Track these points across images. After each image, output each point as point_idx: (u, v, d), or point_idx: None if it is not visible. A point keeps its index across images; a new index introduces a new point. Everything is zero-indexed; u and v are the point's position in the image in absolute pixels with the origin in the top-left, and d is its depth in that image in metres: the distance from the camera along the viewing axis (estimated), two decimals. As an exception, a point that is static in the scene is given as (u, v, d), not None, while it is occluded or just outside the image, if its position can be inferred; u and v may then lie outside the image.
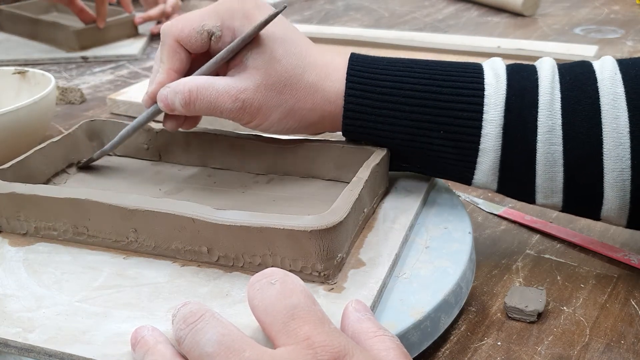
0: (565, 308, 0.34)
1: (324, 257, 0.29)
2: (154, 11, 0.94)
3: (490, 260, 0.38)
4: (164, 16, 0.96)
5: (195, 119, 0.40)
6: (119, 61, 0.83)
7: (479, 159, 0.34)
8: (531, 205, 0.45)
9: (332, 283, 0.30)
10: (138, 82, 0.70)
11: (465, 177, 0.36)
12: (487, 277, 0.37)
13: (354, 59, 0.37)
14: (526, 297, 0.33)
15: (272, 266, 0.27)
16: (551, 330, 0.32)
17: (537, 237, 0.41)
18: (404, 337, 0.28)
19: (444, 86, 0.35)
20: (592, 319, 0.33)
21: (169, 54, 0.36)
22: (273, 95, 0.35)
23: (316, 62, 0.36)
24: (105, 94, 0.70)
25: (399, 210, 0.36)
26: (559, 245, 0.40)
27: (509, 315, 0.33)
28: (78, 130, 0.43)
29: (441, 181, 0.43)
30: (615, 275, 0.37)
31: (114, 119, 0.41)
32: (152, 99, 0.37)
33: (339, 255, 0.30)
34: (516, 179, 0.35)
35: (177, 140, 0.43)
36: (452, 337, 0.32)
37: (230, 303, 0.29)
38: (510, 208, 0.44)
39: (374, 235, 0.34)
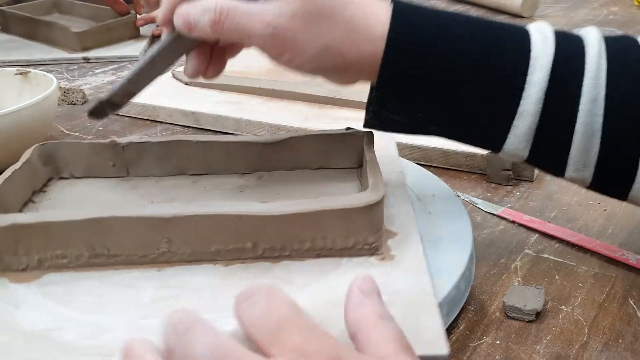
0: (563, 307, 0.34)
1: (374, 229, 0.32)
2: (156, 13, 0.95)
3: (489, 259, 0.39)
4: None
5: (220, 62, 0.37)
6: (121, 62, 0.84)
7: (515, 122, 0.32)
8: (530, 205, 0.45)
9: (380, 253, 0.32)
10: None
11: (496, 141, 0.33)
12: (486, 276, 0.37)
13: (398, 1, 0.34)
14: (525, 296, 0.34)
15: (322, 249, 0.32)
16: (550, 329, 0.33)
17: (535, 236, 0.41)
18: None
19: (490, 38, 0.33)
20: (590, 318, 0.33)
21: None
22: (310, 27, 0.32)
23: None
24: (106, 94, 0.70)
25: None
26: (557, 244, 0.40)
27: (508, 314, 0.33)
28: (33, 156, 0.40)
29: (441, 181, 0.43)
30: (613, 275, 0.37)
31: (70, 140, 0.39)
32: (165, 21, 0.34)
33: (383, 226, 0.33)
34: (550, 148, 0.33)
35: (149, 151, 0.41)
36: (451, 336, 0.32)
37: (299, 288, 0.30)
38: (509, 208, 0.45)
39: (387, 211, 0.35)
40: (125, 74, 0.35)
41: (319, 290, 0.30)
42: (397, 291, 0.29)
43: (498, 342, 0.32)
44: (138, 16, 0.92)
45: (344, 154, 0.41)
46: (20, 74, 0.57)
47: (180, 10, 0.33)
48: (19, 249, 0.32)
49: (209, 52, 0.36)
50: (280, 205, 0.31)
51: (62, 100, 0.68)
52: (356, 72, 0.34)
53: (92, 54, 0.85)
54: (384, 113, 0.34)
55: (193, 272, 0.32)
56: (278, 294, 0.23)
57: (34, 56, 0.84)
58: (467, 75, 0.32)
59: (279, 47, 0.33)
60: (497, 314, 0.34)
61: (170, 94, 0.65)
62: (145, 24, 0.93)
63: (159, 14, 0.34)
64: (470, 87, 0.32)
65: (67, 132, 0.61)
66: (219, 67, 0.37)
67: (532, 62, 0.32)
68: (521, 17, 1.01)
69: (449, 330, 0.32)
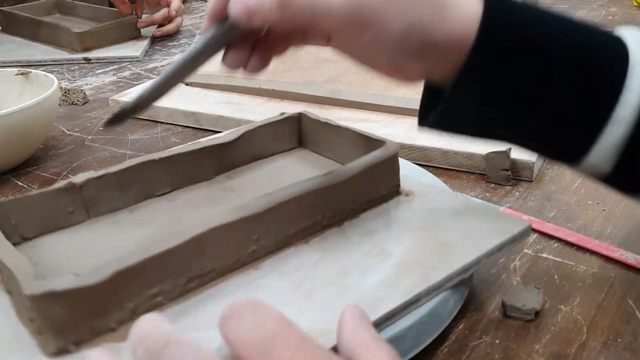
0: (562, 307, 0.34)
1: (397, 176, 0.38)
2: (157, 15, 0.95)
3: (488, 259, 0.39)
4: (167, 20, 0.96)
5: (265, 57, 0.32)
6: (121, 62, 0.84)
7: (606, 130, 0.29)
8: (529, 205, 0.45)
9: (404, 193, 0.39)
10: (140, 83, 0.71)
11: (577, 152, 0.30)
12: (485, 276, 0.37)
13: None
14: (524, 295, 0.34)
15: (369, 201, 0.37)
16: (549, 328, 0.33)
17: (534, 236, 0.41)
18: (403, 336, 0.29)
19: (588, 34, 0.30)
20: (589, 317, 0.33)
21: None
22: (396, 1, 0.28)
23: None
24: (107, 95, 0.70)
25: None
26: (556, 244, 0.40)
27: (507, 313, 0.34)
28: None
29: (440, 181, 0.43)
30: (612, 275, 0.37)
31: (22, 196, 0.34)
32: (220, 12, 0.29)
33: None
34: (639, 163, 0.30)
35: (108, 184, 0.36)
36: (450, 336, 0.32)
37: (397, 232, 0.35)
38: (508, 208, 0.45)
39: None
40: (163, 73, 0.31)
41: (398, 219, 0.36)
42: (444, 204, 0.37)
43: (497, 341, 0.32)
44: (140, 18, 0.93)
45: (287, 137, 0.45)
46: (22, 74, 0.57)
47: None
48: (112, 304, 0.27)
49: (252, 46, 0.32)
50: (336, 173, 0.35)
51: (63, 100, 0.68)
52: (442, 57, 0.30)
53: (93, 54, 0.85)
54: (453, 110, 0.31)
55: (288, 260, 0.32)
56: (265, 309, 0.22)
57: (35, 57, 0.84)
58: (562, 70, 0.29)
59: (361, 25, 0.28)
60: (497, 313, 0.34)
61: (170, 94, 0.65)
62: (147, 25, 0.93)
63: (209, 6, 0.30)
64: (563, 84, 0.29)
65: (68, 133, 0.61)
66: (263, 63, 0.32)
67: (630, 65, 0.29)
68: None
69: (448, 330, 0.32)
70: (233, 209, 0.31)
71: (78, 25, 0.90)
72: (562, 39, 0.29)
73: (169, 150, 0.39)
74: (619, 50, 0.29)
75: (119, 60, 0.84)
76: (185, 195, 0.39)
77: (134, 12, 0.92)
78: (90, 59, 0.84)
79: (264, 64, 0.32)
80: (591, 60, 0.29)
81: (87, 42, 0.86)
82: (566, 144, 0.30)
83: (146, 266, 0.28)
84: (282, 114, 0.44)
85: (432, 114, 0.32)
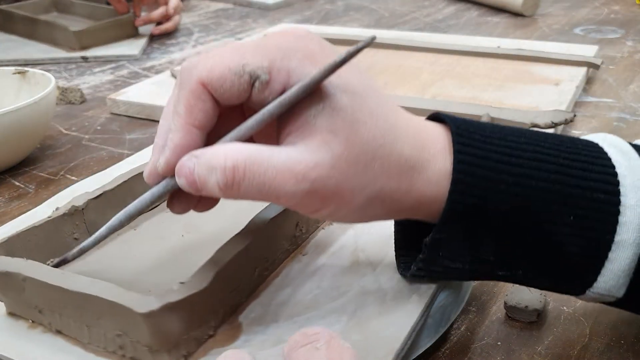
0: (565, 308, 0.34)
1: None
2: (156, 13, 0.95)
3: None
4: (165, 18, 0.96)
5: (215, 199, 0.29)
6: (119, 61, 0.83)
7: (611, 255, 0.26)
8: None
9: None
10: (138, 82, 0.70)
11: (585, 281, 0.27)
12: (487, 277, 0.37)
13: (456, 126, 0.27)
14: (526, 297, 0.33)
15: None
16: (551, 330, 0.32)
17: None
18: (405, 338, 0.28)
19: (572, 159, 0.27)
20: (592, 319, 0.33)
21: (189, 103, 0.25)
22: (357, 173, 0.25)
23: (407, 126, 0.27)
24: (105, 94, 0.70)
25: None
26: (558, 245, 0.40)
27: (509, 315, 0.33)
28: None
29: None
30: (615, 275, 0.37)
31: (28, 227, 0.32)
32: (167, 172, 0.26)
33: None
34: None
35: (107, 203, 0.35)
36: (452, 337, 0.32)
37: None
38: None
39: None
40: (106, 225, 0.29)
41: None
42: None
43: (499, 343, 0.31)
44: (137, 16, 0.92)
45: None
46: (19, 73, 0.57)
47: (182, 164, 0.25)
48: (210, 309, 0.27)
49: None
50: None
51: (61, 99, 0.68)
52: (411, 216, 0.28)
53: (91, 53, 0.84)
54: (439, 260, 0.28)
55: (327, 240, 0.35)
56: (339, 343, 0.21)
57: (32, 55, 0.84)
58: (556, 205, 0.26)
59: (318, 202, 0.25)
60: (499, 314, 0.34)
61: (168, 93, 0.64)
62: (145, 24, 0.93)
63: (161, 159, 0.26)
64: (556, 217, 0.26)
65: (65, 132, 0.61)
66: (215, 202, 0.29)
67: (621, 181, 0.26)
68: (522, 15, 1.00)
69: (450, 331, 0.32)
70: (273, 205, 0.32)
71: (75, 24, 0.89)
72: (546, 166, 0.26)
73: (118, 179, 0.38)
74: (605, 165, 0.27)
75: (116, 59, 0.84)
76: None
77: (131, 11, 0.91)
78: (87, 58, 0.83)
79: (215, 201, 0.29)
80: (581, 183, 0.26)
81: (85, 40, 0.85)
82: (569, 278, 0.28)
83: (231, 265, 0.28)
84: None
85: (401, 263, 0.29)
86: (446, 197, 0.26)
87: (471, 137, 0.27)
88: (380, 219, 0.28)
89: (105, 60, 0.84)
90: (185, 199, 0.28)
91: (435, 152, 0.27)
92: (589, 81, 0.68)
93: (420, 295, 0.30)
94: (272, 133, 0.27)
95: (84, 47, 0.85)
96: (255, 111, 0.26)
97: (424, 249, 0.28)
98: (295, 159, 0.24)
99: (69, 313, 0.28)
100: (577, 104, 0.62)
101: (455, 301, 0.32)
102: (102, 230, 0.29)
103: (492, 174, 0.26)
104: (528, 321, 0.33)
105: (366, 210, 0.27)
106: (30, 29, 0.89)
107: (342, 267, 0.33)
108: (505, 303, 0.33)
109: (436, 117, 0.29)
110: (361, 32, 0.85)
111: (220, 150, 0.24)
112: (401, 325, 0.28)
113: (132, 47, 0.87)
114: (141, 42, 0.89)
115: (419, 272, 0.29)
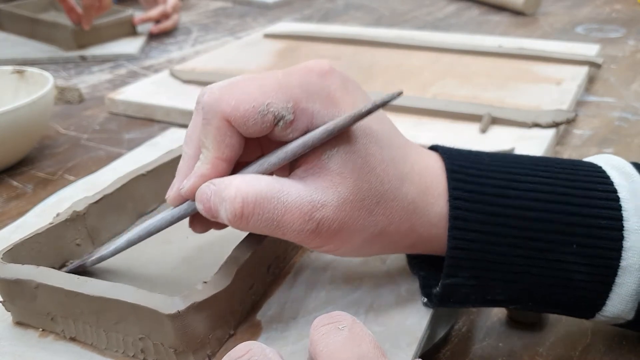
0: (567, 309, 0.34)
1: None
2: (154, 12, 0.94)
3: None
4: (164, 16, 0.96)
5: None
6: (118, 60, 0.83)
7: (617, 280, 0.26)
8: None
9: None
10: (136, 82, 0.70)
11: (592, 306, 0.28)
12: (488, 277, 0.36)
13: (451, 163, 0.28)
14: (527, 297, 0.33)
15: None
16: (553, 331, 0.32)
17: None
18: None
19: (572, 187, 0.27)
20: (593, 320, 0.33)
21: (217, 138, 0.26)
22: (361, 216, 0.26)
23: (414, 169, 0.27)
24: (103, 93, 0.70)
25: None
26: (560, 245, 0.40)
27: (511, 316, 0.33)
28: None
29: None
30: (617, 276, 0.36)
31: (31, 234, 0.31)
32: (190, 196, 0.27)
33: None
34: None
35: (107, 207, 0.35)
36: (453, 339, 0.32)
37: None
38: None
39: None
40: (119, 242, 0.30)
41: None
42: None
43: (501, 344, 0.31)
44: (136, 15, 0.92)
45: None
46: (17, 72, 0.57)
47: (201, 190, 0.26)
48: (230, 308, 0.27)
49: None
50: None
51: (59, 99, 0.68)
52: (411, 251, 0.29)
53: (89, 52, 0.84)
54: (450, 305, 0.29)
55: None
56: (362, 328, 0.21)
57: (30, 54, 0.83)
58: (558, 234, 0.26)
59: (321, 240, 0.26)
60: (500, 315, 0.33)
61: (167, 92, 0.64)
62: (144, 22, 0.93)
63: (186, 183, 0.27)
64: (564, 245, 0.26)
65: (64, 131, 0.60)
66: None
67: (624, 205, 0.26)
68: (524, 14, 1.00)
69: (451, 332, 0.32)
70: None
71: (54, 22, 0.88)
72: (546, 198, 0.27)
73: (151, 162, 0.38)
74: (607, 190, 0.27)
75: (115, 58, 0.84)
76: None
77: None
78: (86, 57, 0.83)
79: None
80: (582, 212, 0.26)
81: (83, 39, 0.85)
82: (579, 303, 0.28)
83: (250, 262, 0.28)
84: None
85: (433, 296, 0.29)
86: (446, 237, 0.27)
87: (467, 172, 0.27)
88: (380, 254, 0.29)
89: (104, 59, 0.83)
90: (205, 220, 0.29)
91: (437, 194, 0.27)
92: (590, 80, 0.68)
93: None
94: (285, 167, 0.28)
95: (82, 46, 0.85)
96: (272, 142, 0.27)
97: (433, 299, 0.29)
98: (304, 198, 0.25)
99: (84, 319, 0.27)
100: (578, 104, 0.62)
101: None
102: (122, 242, 0.30)
103: (490, 208, 0.26)
104: (530, 322, 0.32)
105: (366, 248, 0.28)
106: (28, 27, 0.89)
107: (351, 262, 0.33)
108: (506, 304, 0.33)
109: (435, 148, 0.30)
110: (362, 31, 0.85)
111: (234, 183, 0.25)
112: (420, 315, 0.29)
113: (130, 46, 0.86)
114: (139, 41, 0.88)
115: (440, 303, 0.29)
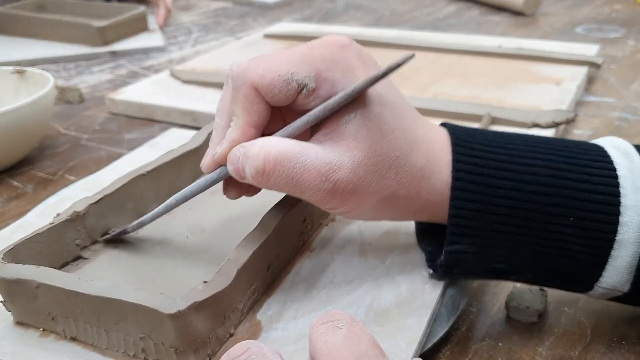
0: (566, 309, 0.34)
1: None
2: (161, 13, 1.01)
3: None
4: (169, 10, 1.03)
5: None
6: (149, 52, 0.86)
7: (613, 253, 0.28)
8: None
9: None
10: (137, 82, 0.70)
11: (590, 278, 0.29)
12: (487, 277, 0.36)
13: (456, 137, 0.30)
14: (527, 297, 0.33)
15: None
16: (552, 330, 0.32)
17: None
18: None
19: (571, 163, 0.28)
20: (593, 319, 0.33)
21: (245, 105, 0.28)
22: (373, 179, 0.28)
23: (423, 139, 0.29)
24: (104, 93, 0.70)
25: None
26: (560, 245, 0.40)
27: (510, 315, 0.33)
28: None
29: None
30: (617, 276, 0.36)
31: (31, 234, 0.31)
32: (222, 160, 0.29)
33: None
34: None
35: (107, 208, 0.35)
36: (452, 338, 0.32)
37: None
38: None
39: None
40: (165, 203, 0.32)
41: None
42: None
43: (500, 344, 0.31)
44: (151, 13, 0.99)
45: None
46: (17, 72, 0.57)
47: (232, 153, 0.28)
48: (230, 307, 0.28)
49: None
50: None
51: (59, 99, 0.68)
52: (417, 218, 0.31)
53: (115, 47, 0.86)
54: (455, 276, 0.31)
55: (333, 234, 0.35)
56: (361, 327, 0.21)
57: (59, 53, 0.83)
58: (555, 207, 0.28)
59: (336, 201, 0.28)
60: (500, 315, 0.33)
61: (167, 92, 0.64)
62: (165, 18, 1.00)
63: (218, 149, 0.29)
64: (562, 217, 0.28)
65: (64, 132, 0.60)
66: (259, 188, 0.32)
67: (621, 182, 0.28)
68: (523, 14, 1.00)
69: (451, 332, 0.32)
70: (285, 198, 0.32)
71: (76, 21, 0.89)
72: (545, 173, 0.28)
73: (151, 162, 0.38)
74: (606, 167, 0.28)
75: (145, 51, 0.86)
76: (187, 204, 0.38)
77: (143, 8, 0.96)
78: (116, 52, 0.85)
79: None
80: (580, 187, 0.28)
81: (107, 36, 0.87)
82: (577, 275, 0.29)
83: (250, 262, 0.28)
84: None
85: (438, 267, 0.31)
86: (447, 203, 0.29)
87: (471, 147, 0.29)
88: (388, 219, 0.31)
89: (134, 53, 0.85)
90: (238, 185, 0.31)
91: (443, 164, 0.29)
92: (590, 80, 0.68)
93: (434, 286, 0.31)
94: (307, 132, 0.29)
95: (106, 43, 0.87)
96: (295, 114, 0.29)
97: (439, 269, 0.31)
98: (322, 160, 0.27)
99: (85, 318, 0.27)
100: (578, 104, 0.62)
101: (462, 291, 0.32)
102: (160, 208, 0.32)
103: (490, 180, 0.28)
104: (529, 322, 0.32)
105: (378, 211, 0.30)
106: (39, 29, 0.89)
107: (351, 261, 0.33)
108: (506, 304, 0.33)
109: (444, 125, 0.32)
110: (361, 31, 0.85)
111: (258, 142, 0.27)
112: (419, 314, 0.29)
113: (154, 40, 0.89)
114: (158, 35, 0.92)
115: (444, 274, 0.31)
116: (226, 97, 0.30)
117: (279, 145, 0.27)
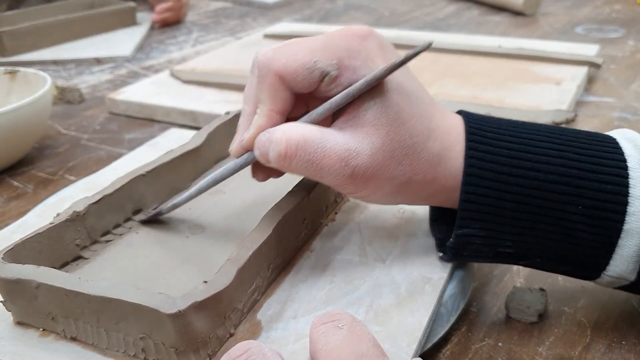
0: (566, 309, 0.34)
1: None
2: (163, 9, 1.00)
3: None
4: (171, 10, 1.01)
5: None
6: (116, 60, 0.83)
7: (620, 242, 0.28)
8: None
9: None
10: (137, 82, 0.70)
11: (597, 266, 0.29)
12: (487, 277, 0.36)
13: (470, 126, 0.31)
14: (527, 297, 0.33)
15: None
16: (552, 331, 0.32)
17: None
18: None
19: (582, 153, 0.29)
20: (593, 319, 0.33)
21: (270, 93, 0.29)
22: (390, 165, 0.29)
23: (439, 126, 0.30)
24: (104, 93, 0.70)
25: None
26: (560, 245, 0.40)
27: (510, 315, 0.33)
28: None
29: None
30: (617, 276, 0.36)
31: (32, 234, 0.31)
32: (249, 146, 0.30)
33: None
34: None
35: (106, 208, 0.35)
36: (452, 338, 0.32)
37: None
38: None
39: None
40: (195, 187, 0.34)
41: None
42: None
43: (500, 344, 0.31)
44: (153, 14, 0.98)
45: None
46: (9, 73, 0.56)
47: (259, 138, 0.29)
48: (230, 307, 0.28)
49: None
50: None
51: (59, 99, 0.68)
52: (430, 202, 0.32)
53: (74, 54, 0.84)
54: (464, 259, 0.32)
55: (331, 234, 0.35)
56: (362, 327, 0.22)
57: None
58: (564, 195, 0.28)
59: (354, 186, 0.29)
60: (499, 315, 0.33)
61: (167, 92, 0.64)
62: (162, 17, 0.99)
63: (246, 135, 0.30)
64: (570, 205, 0.28)
65: (64, 132, 0.60)
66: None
67: (631, 174, 0.28)
68: (523, 14, 1.00)
69: (451, 332, 0.32)
70: (285, 198, 0.32)
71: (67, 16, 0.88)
72: (556, 162, 0.29)
73: (151, 162, 0.38)
74: (617, 159, 0.29)
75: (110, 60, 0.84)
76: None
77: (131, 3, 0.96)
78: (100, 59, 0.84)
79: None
80: (590, 177, 0.28)
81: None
82: (584, 263, 0.30)
83: (251, 262, 0.28)
84: (226, 112, 0.44)
85: (447, 249, 0.31)
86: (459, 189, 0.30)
87: (484, 135, 0.30)
88: (405, 203, 0.32)
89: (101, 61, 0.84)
90: (265, 168, 0.32)
91: (458, 151, 0.30)
92: (590, 80, 0.68)
93: (433, 286, 0.31)
94: (328, 119, 0.30)
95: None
96: (317, 101, 0.30)
97: (448, 252, 0.31)
98: (342, 145, 0.28)
99: (85, 318, 0.27)
100: (578, 104, 0.62)
101: (462, 291, 0.32)
102: (193, 190, 0.34)
103: (502, 167, 0.29)
104: (529, 322, 0.32)
105: (394, 196, 0.31)
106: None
107: (351, 261, 0.33)
108: (506, 304, 0.33)
109: (460, 112, 0.32)
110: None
111: (281, 128, 0.28)
112: (420, 314, 0.29)
113: (124, 47, 0.87)
114: (137, 37, 0.90)
115: (452, 257, 0.32)
116: (252, 85, 0.31)
117: (300, 131, 0.28)
